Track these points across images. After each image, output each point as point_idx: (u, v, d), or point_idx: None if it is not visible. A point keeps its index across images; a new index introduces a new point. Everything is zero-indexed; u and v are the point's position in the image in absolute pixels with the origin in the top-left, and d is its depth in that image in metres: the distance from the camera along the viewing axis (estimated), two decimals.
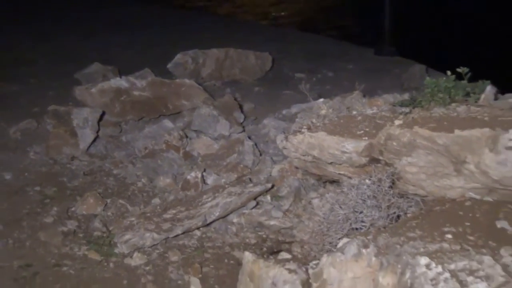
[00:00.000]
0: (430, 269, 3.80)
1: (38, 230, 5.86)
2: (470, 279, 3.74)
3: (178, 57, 9.80)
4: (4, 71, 10.56)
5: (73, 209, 6.22)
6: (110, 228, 5.85)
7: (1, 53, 11.69)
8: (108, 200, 6.33)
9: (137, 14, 16.09)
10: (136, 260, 5.43)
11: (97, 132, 7.58)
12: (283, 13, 19.32)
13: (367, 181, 4.91)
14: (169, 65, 9.71)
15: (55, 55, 11.75)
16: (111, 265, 5.39)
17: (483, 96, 5.11)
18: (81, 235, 5.81)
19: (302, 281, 4.63)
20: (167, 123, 7.73)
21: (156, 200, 6.33)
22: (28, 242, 5.68)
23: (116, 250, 5.53)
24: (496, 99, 5.17)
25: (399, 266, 3.90)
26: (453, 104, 4.99)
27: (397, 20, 12.66)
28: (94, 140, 7.52)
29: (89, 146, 7.44)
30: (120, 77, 8.25)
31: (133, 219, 5.89)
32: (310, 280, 4.37)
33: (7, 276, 5.16)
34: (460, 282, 3.72)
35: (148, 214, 5.96)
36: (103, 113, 7.77)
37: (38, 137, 7.70)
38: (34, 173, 7.00)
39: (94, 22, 15.06)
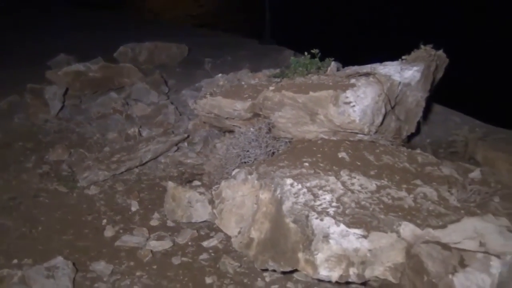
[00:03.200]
0: (293, 187, 3.83)
1: (21, 173, 5.77)
2: (320, 192, 3.80)
3: (121, 48, 9.57)
4: None
5: (47, 157, 6.09)
6: (74, 169, 5.72)
7: None
8: (72, 150, 6.19)
9: (92, 18, 15.64)
10: (93, 190, 5.38)
11: (63, 102, 7.35)
12: (195, 15, 19.13)
13: (251, 129, 4.93)
14: (115, 54, 9.45)
15: (32, 48, 11.32)
16: (75, 195, 5.34)
17: (329, 69, 5.18)
18: (52, 175, 5.71)
19: (208, 199, 4.66)
20: (114, 95, 7.54)
21: (107, 149, 6.19)
22: (14, 182, 5.61)
23: (78, 184, 5.47)
24: (338, 70, 5.24)
25: (272, 185, 3.91)
26: (309, 75, 5.04)
27: (274, 19, 12.65)
28: (61, 108, 7.28)
29: (58, 113, 7.21)
30: (79, 63, 8.01)
31: (90, 162, 5.77)
32: (214, 199, 4.36)
33: (0, 206, 5.09)
34: (313, 194, 3.77)
35: (101, 159, 5.84)
36: (67, 89, 7.52)
37: (21, 107, 7.46)
38: (18, 132, 6.79)
39: (61, 24, 14.56)
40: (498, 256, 3.24)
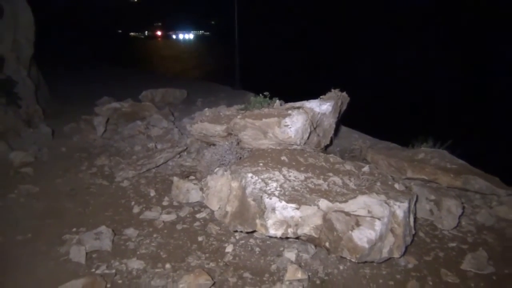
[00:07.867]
0: (252, 178, 3.86)
1: (78, 173, 5.64)
2: (269, 181, 3.82)
3: (143, 93, 9.44)
4: (55, 103, 9.91)
5: (95, 162, 5.94)
6: (113, 170, 5.61)
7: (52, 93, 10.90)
8: (111, 158, 6.05)
9: (123, 73, 15.46)
10: (125, 183, 5.27)
11: (106, 127, 7.23)
12: (193, 72, 19.10)
13: (226, 143, 4.94)
14: (139, 96, 9.31)
15: (85, 92, 11.12)
16: (113, 186, 5.23)
17: (275, 104, 5.23)
18: (99, 174, 5.58)
19: (200, 188, 4.64)
20: (139, 122, 7.42)
21: (134, 157, 6.08)
22: (73, 179, 5.47)
23: (115, 180, 5.36)
24: (281, 105, 5.29)
25: (239, 178, 3.93)
26: (263, 108, 5.08)
27: (242, 74, 12.71)
28: (104, 131, 7.15)
29: (102, 134, 7.07)
30: (116, 102, 7.90)
31: (123, 165, 5.68)
32: (203, 187, 4.35)
33: (64, 194, 5.01)
34: (265, 183, 3.80)
35: (130, 163, 5.75)
36: (108, 119, 7.41)
37: (77, 131, 7.32)
38: (76, 147, 6.64)
39: (104, 76, 14.38)
40: (379, 219, 3.34)
